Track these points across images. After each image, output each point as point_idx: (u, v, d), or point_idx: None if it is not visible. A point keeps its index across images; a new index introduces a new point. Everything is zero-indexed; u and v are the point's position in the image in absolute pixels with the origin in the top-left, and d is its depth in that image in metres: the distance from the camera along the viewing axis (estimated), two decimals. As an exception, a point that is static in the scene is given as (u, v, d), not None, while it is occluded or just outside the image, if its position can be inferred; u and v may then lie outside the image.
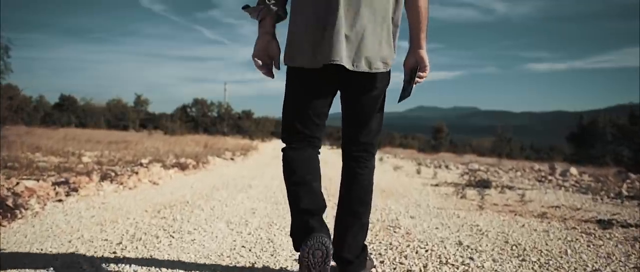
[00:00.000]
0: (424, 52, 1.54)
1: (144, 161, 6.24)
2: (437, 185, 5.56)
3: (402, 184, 5.69)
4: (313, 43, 1.46)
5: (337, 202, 1.63)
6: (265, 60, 1.54)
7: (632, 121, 24.98)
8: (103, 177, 4.74)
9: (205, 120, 57.19)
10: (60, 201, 3.65)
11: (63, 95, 45.91)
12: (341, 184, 1.64)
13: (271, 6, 1.49)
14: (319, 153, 1.61)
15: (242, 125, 56.33)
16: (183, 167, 7.16)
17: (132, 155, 8.27)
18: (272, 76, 1.58)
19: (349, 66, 1.45)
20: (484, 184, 5.49)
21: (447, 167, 10.73)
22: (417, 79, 1.54)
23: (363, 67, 1.46)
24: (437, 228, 2.74)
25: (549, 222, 3.01)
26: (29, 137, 12.64)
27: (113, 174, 5.07)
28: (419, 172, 7.63)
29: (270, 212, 3.35)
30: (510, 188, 5.35)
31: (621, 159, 25.70)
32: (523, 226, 2.87)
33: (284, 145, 1.60)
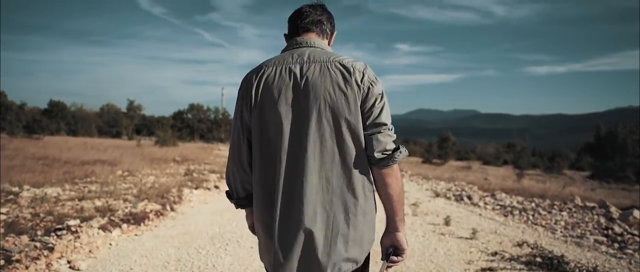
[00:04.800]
0: (401, 235, 1.42)
1: (72, 222, 4.51)
2: (491, 270, 3.81)
3: (438, 264, 3.96)
4: (267, 251, 1.39)
5: None
6: None
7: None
8: (-24, 276, 3.00)
9: (201, 127, 55.45)
10: None
11: (52, 101, 44.10)
12: None
13: (235, 204, 1.55)
14: None
15: (239, 131, 54.56)
16: (139, 219, 5.42)
17: (81, 196, 6.54)
18: None
19: None
20: (558, 267, 3.76)
21: (470, 199, 8.99)
22: (389, 264, 1.41)
23: None
24: None
25: None
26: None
27: (2, 262, 3.33)
28: (448, 222, 5.88)
29: None
30: (598, 274, 3.62)
31: (642, 171, 23.97)
32: None
33: None
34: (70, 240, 4.11)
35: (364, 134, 1.34)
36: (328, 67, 1.35)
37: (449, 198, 9.35)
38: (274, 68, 1.38)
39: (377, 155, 1.33)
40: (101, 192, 7.01)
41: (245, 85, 1.41)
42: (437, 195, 9.53)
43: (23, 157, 12.89)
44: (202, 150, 25.97)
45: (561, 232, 5.78)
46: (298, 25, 1.48)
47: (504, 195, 9.76)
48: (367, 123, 1.34)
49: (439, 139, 39.99)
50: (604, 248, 4.85)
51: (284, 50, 1.47)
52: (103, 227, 4.68)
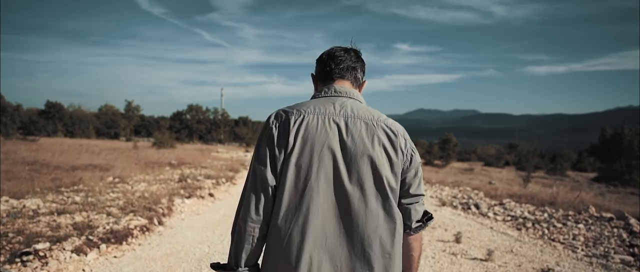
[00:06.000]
0: None
1: (41, 246, 4.02)
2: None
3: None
4: None
5: None
6: None
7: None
8: None
9: (200, 128, 54.97)
10: None
11: (49, 102, 43.63)
12: None
13: None
14: None
15: (238, 132, 54.12)
16: (121, 237, 4.95)
17: (62, 209, 6.05)
18: None
19: None
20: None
21: (478, 208, 8.52)
22: None
23: None
24: None
25: None
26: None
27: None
28: (458, 239, 5.40)
29: None
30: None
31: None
32: None
33: None
34: (36, 267, 3.64)
35: (403, 203, 1.32)
36: (375, 127, 1.29)
37: (455, 207, 8.89)
38: (316, 117, 1.28)
39: (414, 224, 1.33)
40: (85, 204, 6.54)
41: (282, 128, 1.27)
42: (443, 204, 9.05)
43: (12, 162, 12.41)
44: (199, 152, 25.50)
45: (582, 250, 5.30)
46: (332, 70, 1.39)
47: (513, 203, 9.28)
48: (410, 192, 1.32)
49: (441, 141, 39.50)
50: (619, 262, 4.37)
51: (317, 96, 1.37)
52: (77, 250, 4.21)
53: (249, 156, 27.29)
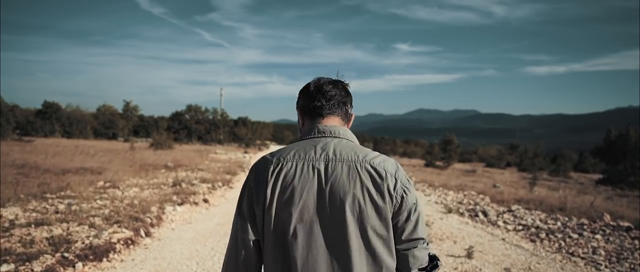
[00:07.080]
0: None
1: (5, 268, 3.60)
2: None
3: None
4: None
5: None
6: None
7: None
8: None
9: (199, 128, 54.51)
10: None
11: (46, 102, 43.14)
12: None
13: None
14: None
15: (237, 132, 53.66)
16: (101, 253, 4.51)
17: (42, 219, 5.61)
18: None
19: None
20: None
21: (486, 215, 8.08)
22: None
23: None
24: None
25: None
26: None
27: None
28: (470, 254, 4.96)
29: None
30: None
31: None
32: None
33: None
34: (-3, 294, 3.20)
35: (398, 249, 1.21)
36: (358, 170, 1.19)
37: (462, 214, 8.44)
38: (294, 164, 1.21)
39: None
40: (67, 213, 6.09)
41: (261, 180, 1.21)
42: (449, 210, 8.60)
43: (1, 164, 11.99)
44: (197, 153, 25.06)
45: (606, 266, 4.86)
46: (322, 106, 1.30)
47: (522, 210, 8.84)
48: (403, 238, 1.20)
49: (442, 142, 39.04)
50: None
51: (303, 138, 1.30)
52: (48, 270, 3.77)
53: (248, 156, 26.87)
